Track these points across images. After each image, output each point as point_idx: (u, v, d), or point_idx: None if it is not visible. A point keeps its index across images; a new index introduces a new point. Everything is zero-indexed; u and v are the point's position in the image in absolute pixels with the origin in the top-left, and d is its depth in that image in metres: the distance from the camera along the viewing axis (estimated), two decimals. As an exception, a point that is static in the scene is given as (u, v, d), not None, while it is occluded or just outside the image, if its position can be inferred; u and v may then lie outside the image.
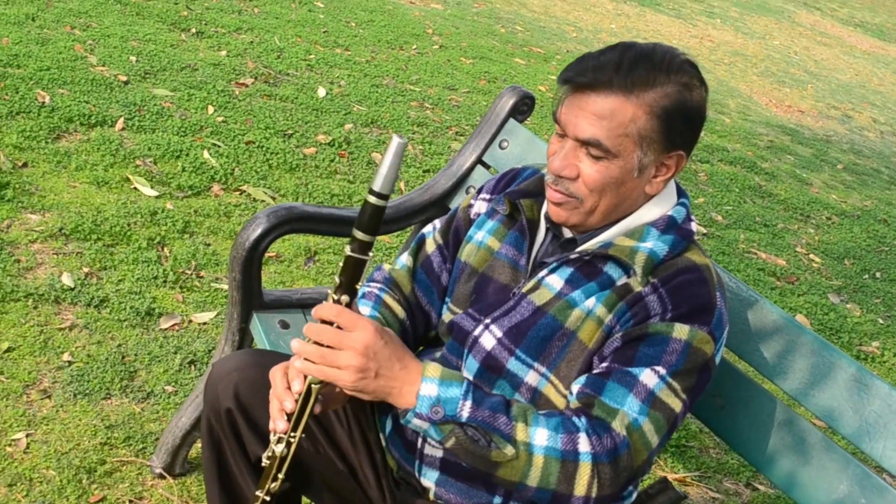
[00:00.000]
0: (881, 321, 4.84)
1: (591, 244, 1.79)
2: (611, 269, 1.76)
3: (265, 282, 2.94)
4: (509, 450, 1.58)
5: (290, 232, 2.45)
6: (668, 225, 1.78)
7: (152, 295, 3.32)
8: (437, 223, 2.12)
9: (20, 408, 2.68)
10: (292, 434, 1.65)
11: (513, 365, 1.78)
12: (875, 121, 9.88)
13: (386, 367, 1.58)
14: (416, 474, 1.89)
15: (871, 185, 7.45)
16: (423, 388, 1.58)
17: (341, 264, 1.58)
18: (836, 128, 9.13)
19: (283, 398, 1.65)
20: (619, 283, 1.74)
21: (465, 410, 1.58)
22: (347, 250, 1.57)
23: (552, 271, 1.80)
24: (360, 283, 1.61)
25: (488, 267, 1.91)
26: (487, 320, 1.82)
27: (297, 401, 1.64)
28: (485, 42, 8.24)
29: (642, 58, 1.68)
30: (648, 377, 1.64)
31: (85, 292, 3.21)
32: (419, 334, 2.05)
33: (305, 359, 1.60)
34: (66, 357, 2.91)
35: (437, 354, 1.96)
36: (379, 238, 4.18)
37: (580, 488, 1.59)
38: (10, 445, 2.54)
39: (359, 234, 1.54)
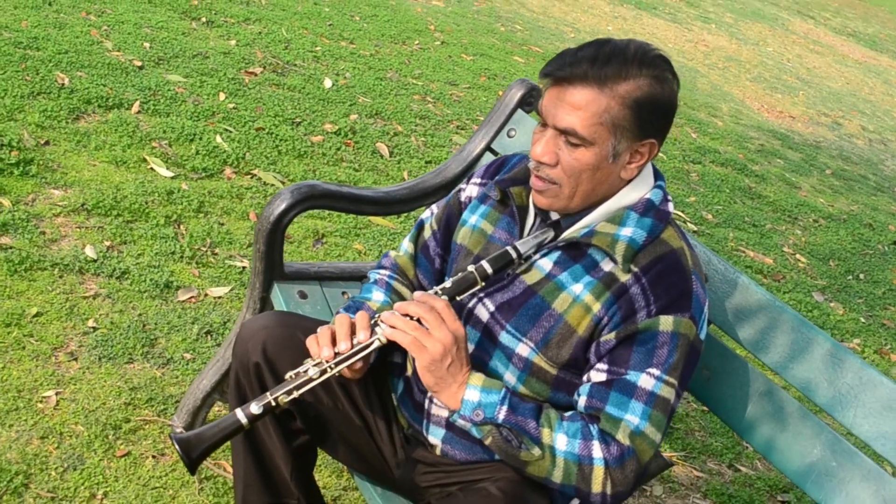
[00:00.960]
0: (863, 320, 5.03)
1: (574, 229, 1.96)
2: (594, 252, 1.93)
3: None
4: (536, 451, 1.81)
5: (312, 208, 2.62)
6: (646, 208, 1.94)
7: (170, 269, 3.49)
8: (434, 208, 2.28)
9: (49, 368, 2.85)
10: (330, 365, 1.83)
11: (504, 337, 1.96)
12: (864, 129, 10.09)
13: (455, 366, 1.82)
14: (424, 432, 2.06)
15: (858, 190, 7.64)
16: (467, 393, 1.82)
17: (460, 275, 1.89)
18: (826, 134, 9.33)
19: (341, 338, 1.85)
20: (605, 269, 1.90)
21: (502, 414, 1.82)
22: (471, 268, 1.89)
23: (543, 255, 1.97)
24: (460, 298, 1.90)
25: (483, 249, 2.07)
26: (482, 294, 2.00)
27: (353, 346, 1.84)
28: (485, 40, 8.41)
29: (616, 52, 1.83)
30: (646, 381, 1.84)
31: (107, 264, 3.38)
32: None
33: (393, 326, 1.82)
34: (90, 323, 3.08)
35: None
36: (382, 223, 4.36)
37: (596, 486, 1.82)
38: (40, 402, 2.71)
39: (488, 268, 1.88)
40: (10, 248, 3.29)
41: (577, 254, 1.94)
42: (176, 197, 3.95)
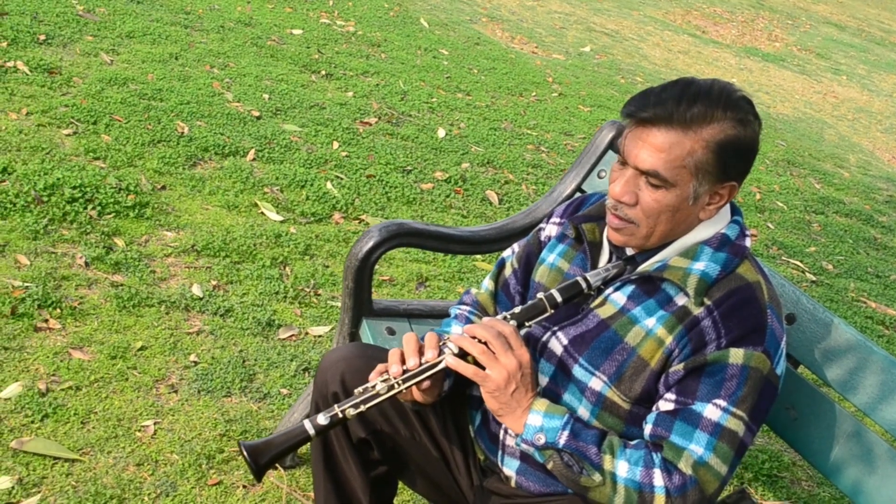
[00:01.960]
0: None
1: (648, 264, 1.95)
2: (668, 287, 1.91)
3: (376, 297, 3.16)
4: (597, 477, 1.80)
5: (399, 245, 2.67)
6: (721, 242, 1.92)
7: (273, 308, 3.58)
8: (515, 247, 2.30)
9: (150, 399, 2.95)
10: (398, 382, 1.86)
11: (577, 371, 1.95)
12: None
13: (520, 391, 1.85)
14: (500, 463, 2.06)
15: None
16: (530, 418, 1.84)
17: (530, 302, 1.92)
18: (962, 186, 8.99)
19: (409, 354, 1.88)
20: (678, 303, 1.88)
21: (563, 439, 1.82)
22: (540, 295, 1.91)
23: (616, 289, 1.97)
24: (529, 325, 1.93)
25: (559, 286, 2.08)
26: (555, 328, 2.00)
27: (421, 364, 1.87)
28: (604, 91, 8.41)
29: (701, 94, 1.82)
30: (712, 412, 1.80)
31: (212, 302, 3.49)
32: None
33: (462, 348, 1.85)
34: (192, 358, 3.18)
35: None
36: (487, 267, 4.38)
37: None
38: (139, 431, 2.81)
39: (558, 297, 1.91)
40: (121, 285, 3.43)
41: (650, 288, 1.93)
42: (283, 240, 4.07)
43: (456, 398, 2.17)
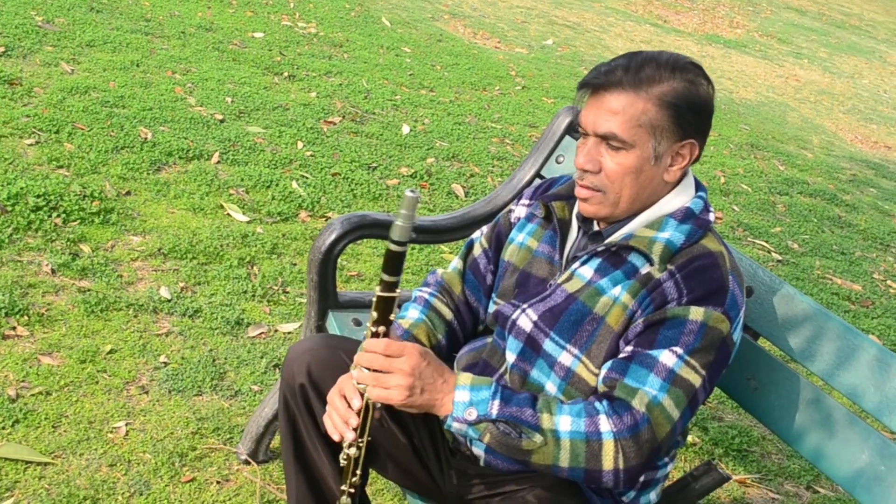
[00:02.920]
0: (956, 344, 4.88)
1: (615, 236, 1.99)
2: (634, 258, 1.95)
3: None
4: (538, 438, 1.79)
5: (362, 237, 2.69)
6: (685, 215, 1.97)
7: (241, 307, 3.59)
8: (484, 228, 2.34)
9: (121, 401, 2.96)
10: (360, 440, 1.91)
11: (548, 346, 1.98)
12: (965, 156, 9.81)
13: (429, 383, 1.83)
14: (468, 444, 2.09)
15: (957, 216, 7.43)
16: (457, 395, 1.82)
17: (374, 300, 1.82)
18: (924, 163, 9.10)
19: (347, 417, 1.90)
20: (643, 271, 1.92)
21: (495, 409, 1.80)
22: (378, 290, 1.81)
23: (583, 263, 2.01)
24: (393, 315, 1.85)
25: (528, 264, 2.12)
26: (525, 305, 2.03)
27: (358, 413, 1.89)
28: (567, 83, 8.46)
29: (649, 60, 1.90)
30: (668, 357, 1.83)
31: (180, 304, 3.50)
32: (468, 330, 2.27)
33: (359, 382, 1.86)
34: (162, 359, 3.19)
35: (489, 340, 2.17)
36: (444, 256, 4.40)
37: (608, 463, 1.79)
38: (111, 432, 2.82)
39: (385, 277, 1.78)
40: (88, 290, 3.44)
41: (617, 261, 1.97)
42: (250, 240, 4.08)
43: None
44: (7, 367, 2.98)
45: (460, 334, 2.25)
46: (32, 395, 2.89)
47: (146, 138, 4.80)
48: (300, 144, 5.28)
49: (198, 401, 3.04)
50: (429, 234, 2.82)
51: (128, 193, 4.24)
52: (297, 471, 2.24)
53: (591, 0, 13.45)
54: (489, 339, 2.18)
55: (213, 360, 3.24)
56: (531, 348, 2.01)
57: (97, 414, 2.88)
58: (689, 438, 3.46)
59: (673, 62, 1.91)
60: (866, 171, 8.14)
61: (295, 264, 4.01)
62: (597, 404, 1.82)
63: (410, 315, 2.20)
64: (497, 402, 1.81)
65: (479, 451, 2.07)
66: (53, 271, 3.50)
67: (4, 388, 2.88)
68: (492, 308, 2.19)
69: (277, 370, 3.28)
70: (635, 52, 1.94)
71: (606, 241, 1.99)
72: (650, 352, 1.84)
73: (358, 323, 2.71)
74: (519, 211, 2.26)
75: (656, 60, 1.90)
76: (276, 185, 4.67)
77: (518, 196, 2.30)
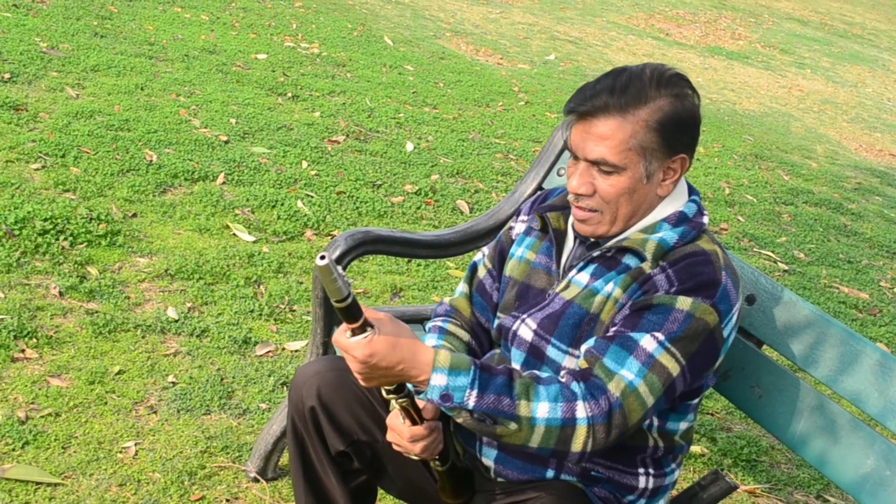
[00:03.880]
0: (964, 350, 4.87)
1: (611, 242, 2.02)
2: (628, 259, 1.97)
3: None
4: (513, 426, 1.77)
5: (366, 253, 2.71)
6: (679, 219, 1.99)
7: (249, 326, 3.61)
8: (486, 249, 2.35)
9: (130, 421, 2.97)
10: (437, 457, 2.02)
11: (551, 352, 2.00)
12: (970, 162, 9.81)
13: (385, 357, 1.73)
14: (478, 454, 2.10)
15: (962, 223, 7.42)
16: (434, 378, 1.75)
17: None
18: (929, 170, 9.10)
19: (409, 434, 1.94)
20: (635, 268, 1.95)
21: (472, 399, 1.76)
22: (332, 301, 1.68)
23: (580, 270, 2.03)
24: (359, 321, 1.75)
25: (527, 276, 2.14)
26: (524, 315, 2.05)
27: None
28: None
29: (633, 79, 1.90)
30: (648, 342, 1.84)
31: (188, 324, 3.52)
32: (485, 349, 2.27)
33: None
34: (170, 379, 3.21)
35: (497, 352, 2.19)
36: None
37: (577, 446, 1.80)
38: (120, 452, 2.83)
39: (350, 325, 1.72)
40: (96, 312, 3.46)
41: (611, 263, 1.99)
42: (256, 259, 4.10)
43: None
44: (17, 389, 3.00)
45: (479, 353, 2.26)
46: (42, 416, 2.91)
47: (151, 161, 4.83)
48: (305, 164, 5.31)
49: (206, 420, 3.06)
50: (433, 250, 2.84)
51: (134, 215, 4.27)
52: (306, 492, 2.26)
53: (592, 15, 13.49)
54: (497, 352, 2.19)
55: (221, 379, 3.26)
56: (534, 357, 2.02)
57: (106, 434, 2.89)
58: (698, 449, 3.47)
59: (657, 78, 1.91)
60: (871, 179, 8.14)
61: (301, 283, 4.03)
62: (574, 386, 1.81)
63: (429, 343, 2.21)
64: (474, 392, 1.75)
65: (488, 461, 2.08)
66: (61, 294, 3.53)
67: (14, 410, 2.90)
68: (495, 322, 2.21)
69: (285, 388, 3.29)
70: (619, 70, 1.93)
71: (602, 247, 2.01)
72: (632, 334, 1.85)
73: (364, 339, 2.71)
74: (518, 227, 2.28)
75: (640, 78, 1.90)
76: (282, 204, 4.70)
77: (517, 212, 2.32)
